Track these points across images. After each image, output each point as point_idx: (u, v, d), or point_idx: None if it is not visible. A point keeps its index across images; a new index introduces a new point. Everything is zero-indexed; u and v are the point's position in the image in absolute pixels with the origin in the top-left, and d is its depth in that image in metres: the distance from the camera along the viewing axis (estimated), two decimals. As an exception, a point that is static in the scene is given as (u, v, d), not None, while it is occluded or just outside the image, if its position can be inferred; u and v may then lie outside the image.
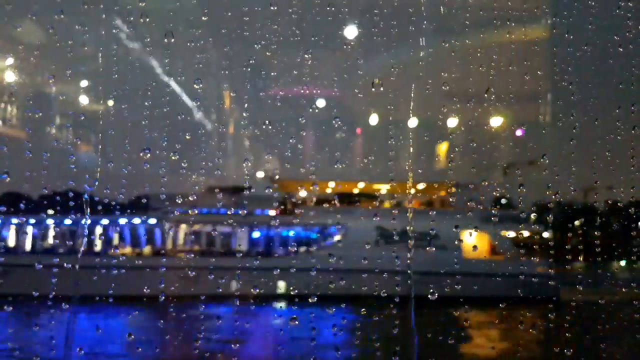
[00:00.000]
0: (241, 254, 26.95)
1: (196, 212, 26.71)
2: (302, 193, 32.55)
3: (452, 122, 29.09)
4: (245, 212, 27.26)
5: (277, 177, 29.20)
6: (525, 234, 30.59)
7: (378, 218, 27.72)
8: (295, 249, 27.86)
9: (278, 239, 28.49)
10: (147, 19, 14.57)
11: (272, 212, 28.26)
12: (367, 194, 32.91)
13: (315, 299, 10.65)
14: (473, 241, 28.41)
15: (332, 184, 30.80)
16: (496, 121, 31.02)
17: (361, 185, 31.48)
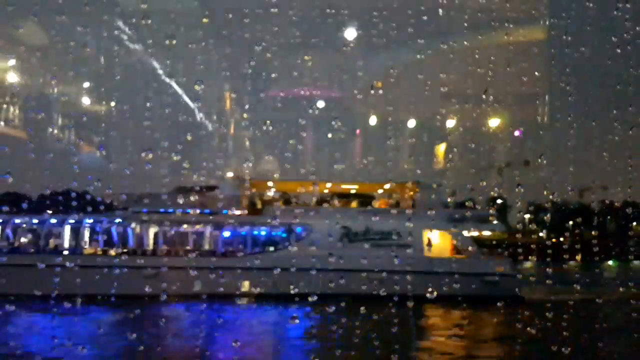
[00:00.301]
0: (205, 254, 27.00)
1: (162, 211, 26.63)
2: (270, 193, 32.59)
3: (450, 123, 29.29)
4: (210, 211, 27.20)
5: (246, 177, 29.12)
6: (487, 233, 30.71)
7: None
8: (261, 248, 27.97)
9: (243, 239, 28.46)
10: (149, 21, 14.75)
11: (234, 212, 28.14)
12: (335, 194, 33.22)
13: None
14: (436, 240, 28.66)
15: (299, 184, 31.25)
16: (494, 122, 31.28)
17: (329, 185, 31.63)
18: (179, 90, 30.88)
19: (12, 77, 27.18)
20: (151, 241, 27.36)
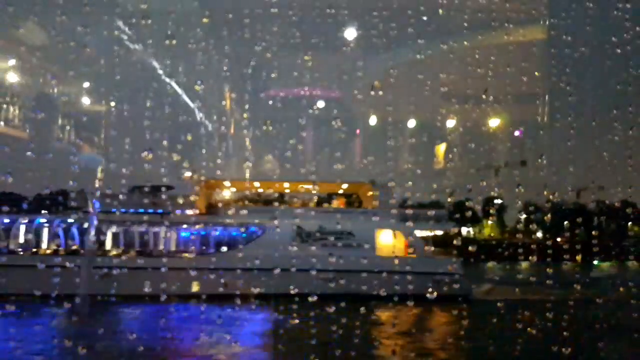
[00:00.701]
0: (156, 254, 26.77)
1: (116, 211, 26.36)
2: (226, 193, 32.52)
3: (450, 123, 29.32)
4: (164, 212, 27.04)
5: (202, 177, 28.89)
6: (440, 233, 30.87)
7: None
8: (214, 249, 27.90)
9: (196, 239, 28.34)
10: (149, 21, 14.76)
11: (190, 212, 28.01)
12: (291, 194, 33.40)
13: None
14: (389, 240, 28.83)
15: (257, 184, 31.08)
16: (494, 122, 31.30)
17: (286, 185, 31.73)
18: (179, 90, 30.94)
19: (13, 77, 27.22)
20: (102, 241, 27.11)
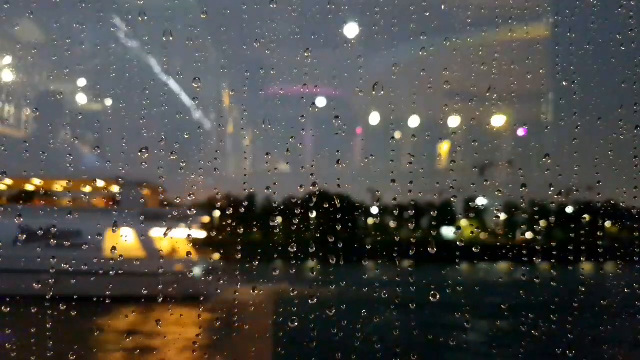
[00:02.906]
0: None
1: None
2: None
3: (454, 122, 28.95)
4: None
5: None
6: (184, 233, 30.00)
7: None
8: None
9: None
10: (146, 17, 14.45)
11: None
12: (15, 192, 32.52)
13: None
14: (121, 240, 28.15)
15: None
16: (496, 121, 30.97)
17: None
18: (177, 88, 30.63)
19: (8, 76, 26.90)
20: None
